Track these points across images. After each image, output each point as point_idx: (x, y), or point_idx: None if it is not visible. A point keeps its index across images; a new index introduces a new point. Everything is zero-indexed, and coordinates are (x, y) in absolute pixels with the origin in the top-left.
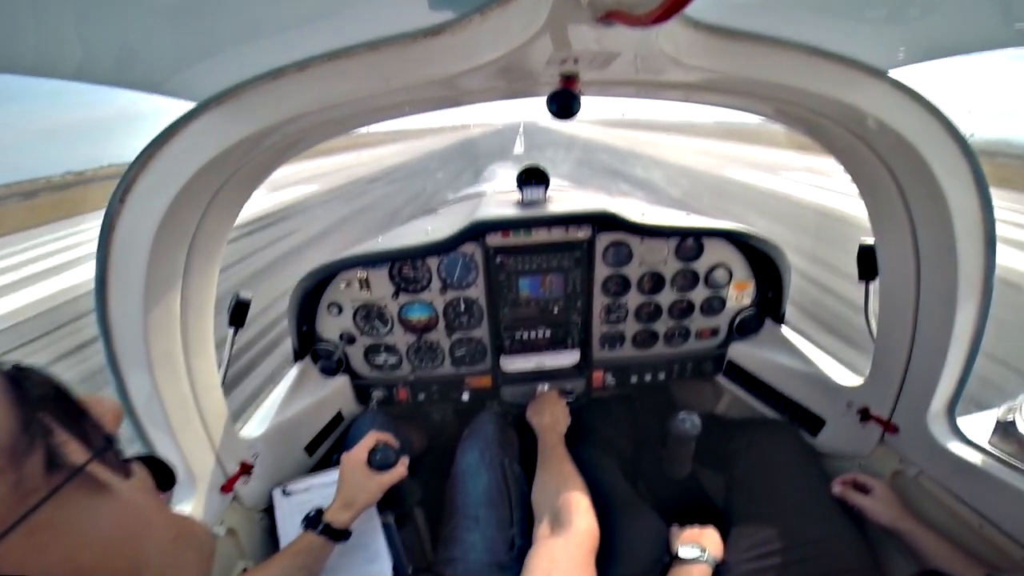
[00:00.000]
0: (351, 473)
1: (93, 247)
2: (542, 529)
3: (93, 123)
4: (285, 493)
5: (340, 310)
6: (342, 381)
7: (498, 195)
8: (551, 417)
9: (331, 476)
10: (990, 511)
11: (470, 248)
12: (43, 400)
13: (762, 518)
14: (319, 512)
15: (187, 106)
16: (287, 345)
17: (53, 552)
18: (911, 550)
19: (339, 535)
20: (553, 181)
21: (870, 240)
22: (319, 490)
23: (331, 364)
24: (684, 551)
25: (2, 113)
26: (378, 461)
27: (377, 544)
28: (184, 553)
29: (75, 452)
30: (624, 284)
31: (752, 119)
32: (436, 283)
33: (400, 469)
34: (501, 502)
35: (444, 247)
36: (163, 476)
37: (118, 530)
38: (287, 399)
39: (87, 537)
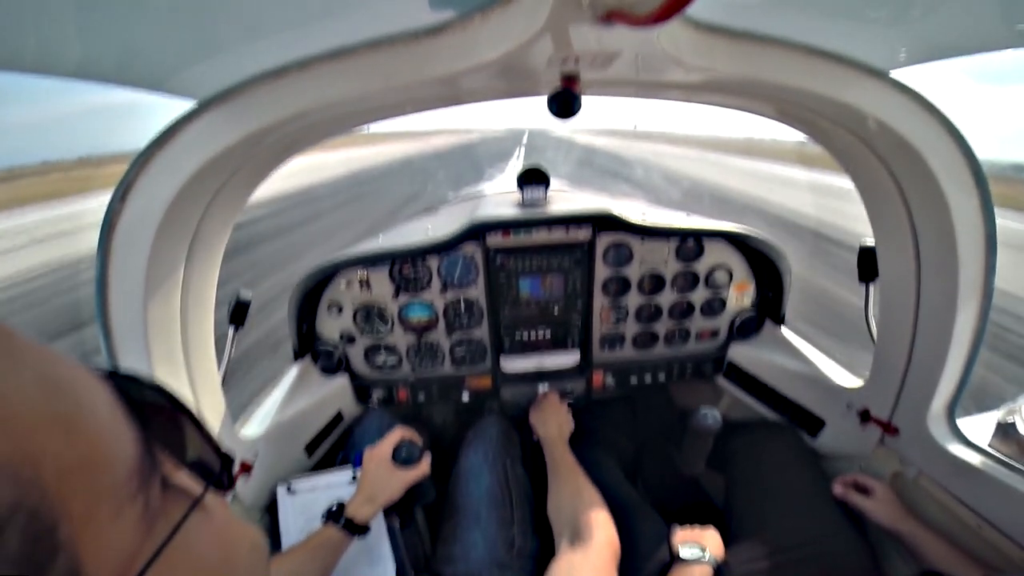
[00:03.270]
0: (376, 468)
1: None
2: (563, 543)
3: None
4: (290, 491)
5: (340, 310)
6: (342, 381)
7: (498, 195)
8: (556, 425)
9: (337, 476)
10: (989, 512)
11: (470, 248)
12: (153, 413)
13: (763, 519)
14: (341, 506)
15: (188, 105)
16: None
17: None
18: (911, 551)
19: (359, 530)
20: (553, 182)
21: (870, 241)
22: (324, 490)
23: (331, 364)
24: (685, 551)
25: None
26: (403, 457)
27: (381, 546)
28: (258, 560)
29: (180, 470)
30: (624, 285)
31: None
32: (436, 283)
33: (424, 466)
34: (503, 502)
35: (444, 247)
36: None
37: (219, 551)
38: (287, 399)
39: (199, 563)
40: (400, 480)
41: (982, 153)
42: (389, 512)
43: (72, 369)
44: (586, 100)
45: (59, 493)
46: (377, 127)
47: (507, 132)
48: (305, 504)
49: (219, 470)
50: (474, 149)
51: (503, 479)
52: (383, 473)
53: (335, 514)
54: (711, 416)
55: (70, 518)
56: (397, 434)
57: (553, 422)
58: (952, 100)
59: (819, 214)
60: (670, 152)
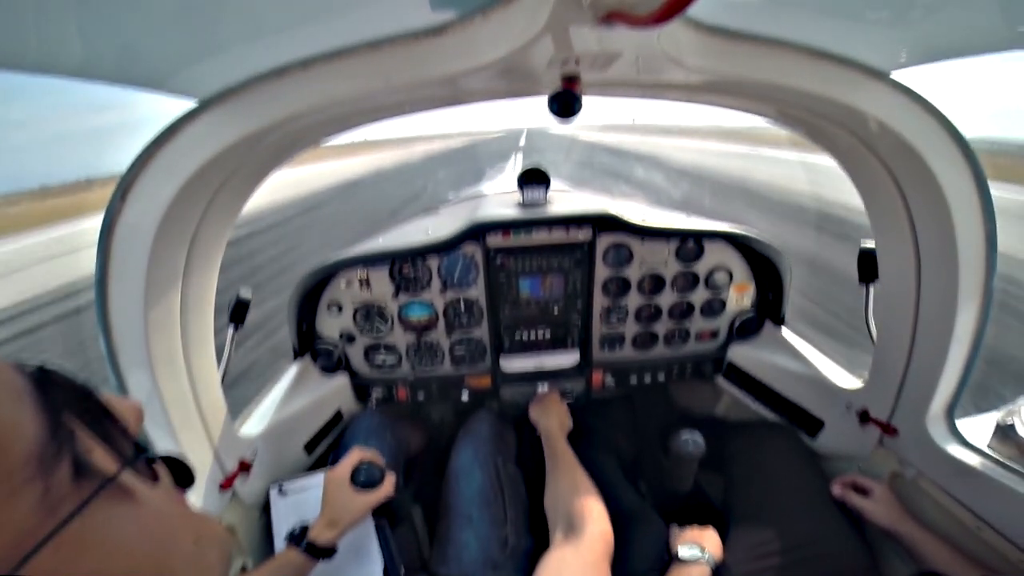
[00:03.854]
0: (336, 491)
1: None
2: (557, 535)
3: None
4: (281, 492)
5: (340, 309)
6: (341, 380)
7: (498, 196)
8: (557, 420)
9: None
10: (988, 514)
11: (470, 248)
12: (69, 403)
13: (761, 519)
14: (304, 529)
15: (189, 104)
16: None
17: (82, 566)
18: (909, 552)
19: (323, 553)
20: (554, 182)
21: (870, 243)
22: (315, 490)
23: (331, 363)
24: (684, 551)
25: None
26: (362, 480)
27: (369, 545)
28: (207, 555)
29: (102, 458)
30: (624, 285)
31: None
32: (436, 283)
33: (386, 488)
34: (495, 501)
35: (444, 247)
36: (181, 474)
37: (146, 539)
38: (286, 398)
39: (116, 549)
40: (362, 503)
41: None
42: (378, 512)
43: None
44: (586, 99)
45: None
46: (343, 137)
47: (504, 133)
48: (296, 505)
49: (131, 457)
50: (462, 155)
51: (495, 478)
52: (343, 497)
53: (298, 537)
54: (692, 442)
55: None
56: (356, 456)
57: (554, 416)
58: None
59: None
60: (680, 145)
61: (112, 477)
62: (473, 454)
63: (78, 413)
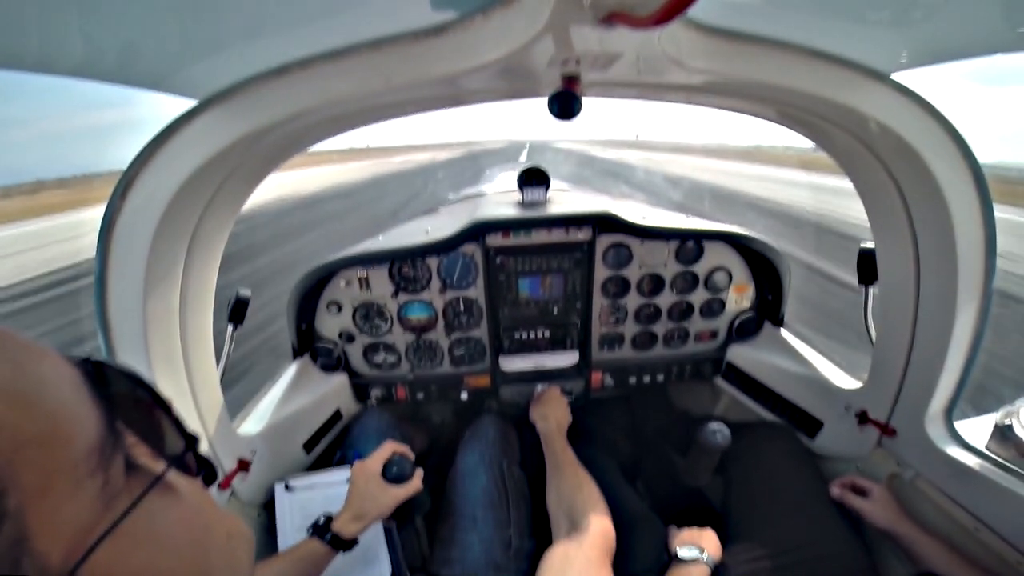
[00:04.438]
0: (365, 484)
1: None
2: (560, 532)
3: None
4: (288, 488)
5: (340, 309)
6: (341, 379)
7: (498, 195)
8: (556, 420)
9: (334, 475)
10: (986, 515)
11: (470, 248)
12: (120, 396)
13: (760, 520)
14: (328, 519)
15: (189, 103)
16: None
17: (134, 559)
18: (908, 553)
19: (345, 545)
20: (554, 182)
21: (870, 244)
22: (322, 488)
23: (330, 362)
24: (683, 552)
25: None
26: (394, 474)
27: (377, 547)
28: (237, 551)
29: (150, 452)
30: (624, 286)
31: None
32: (436, 283)
33: (416, 482)
34: (499, 503)
35: (444, 247)
36: (206, 470)
37: (189, 533)
38: (285, 397)
39: (164, 542)
40: (391, 497)
41: (987, 156)
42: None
43: (39, 353)
44: (592, 106)
45: (12, 464)
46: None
47: (505, 145)
48: (302, 502)
49: (183, 451)
50: (457, 169)
51: (500, 480)
52: (373, 490)
53: (321, 528)
54: (721, 434)
55: (21, 489)
56: (388, 448)
57: (552, 416)
58: (952, 102)
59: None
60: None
61: (165, 470)
62: (479, 456)
63: (128, 406)
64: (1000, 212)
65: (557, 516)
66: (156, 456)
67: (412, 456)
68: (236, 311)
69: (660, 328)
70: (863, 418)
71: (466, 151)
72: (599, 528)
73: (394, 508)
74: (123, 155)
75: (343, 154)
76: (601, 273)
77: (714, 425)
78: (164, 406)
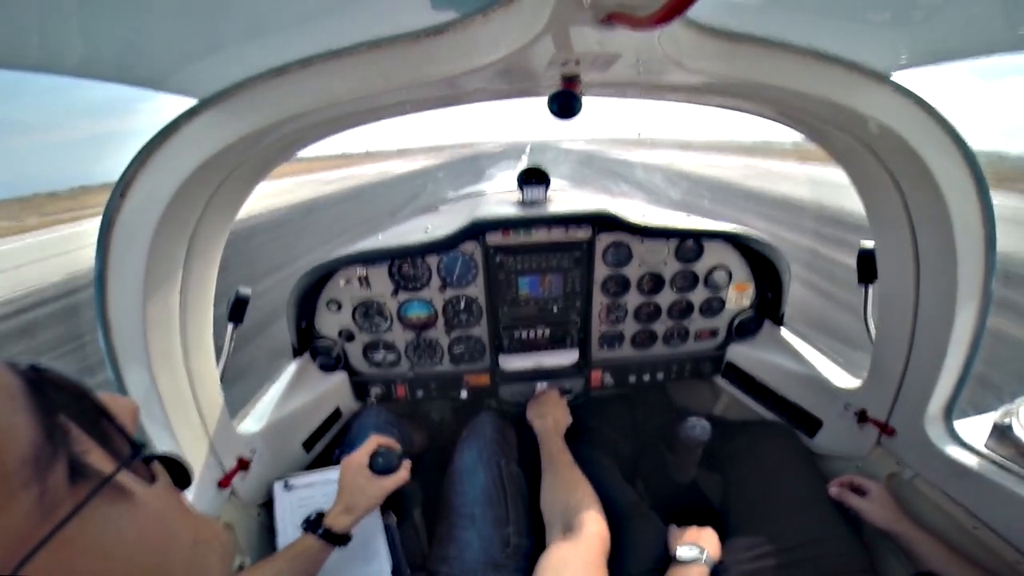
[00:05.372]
0: (352, 477)
1: None
2: (555, 536)
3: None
4: (287, 487)
5: (339, 307)
6: (340, 378)
7: (498, 194)
8: (553, 420)
9: (333, 474)
10: (985, 514)
11: (470, 247)
12: (63, 403)
13: (759, 519)
14: (320, 515)
15: (189, 103)
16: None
17: (79, 568)
18: (906, 552)
19: (339, 539)
20: (554, 181)
21: (870, 244)
22: (321, 487)
23: (330, 361)
24: (682, 551)
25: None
26: (380, 465)
27: (377, 544)
28: (206, 556)
29: (99, 459)
30: (624, 284)
31: None
32: (436, 281)
33: (403, 473)
34: (497, 501)
35: (444, 245)
36: (179, 474)
37: (144, 540)
38: (285, 395)
39: (114, 550)
40: (379, 489)
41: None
42: (385, 509)
43: None
44: (587, 112)
45: None
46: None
47: (504, 148)
48: (302, 500)
49: (130, 456)
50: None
51: (498, 478)
52: (361, 482)
53: (314, 523)
54: (699, 426)
55: None
56: (373, 442)
57: (550, 416)
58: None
59: None
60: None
61: (108, 478)
62: (477, 454)
63: (73, 413)
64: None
65: (551, 517)
66: (106, 461)
67: (399, 448)
68: (236, 310)
69: (660, 327)
70: (862, 417)
71: (450, 157)
72: (595, 530)
73: (383, 499)
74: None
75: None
76: (601, 272)
77: (693, 419)
78: (105, 413)
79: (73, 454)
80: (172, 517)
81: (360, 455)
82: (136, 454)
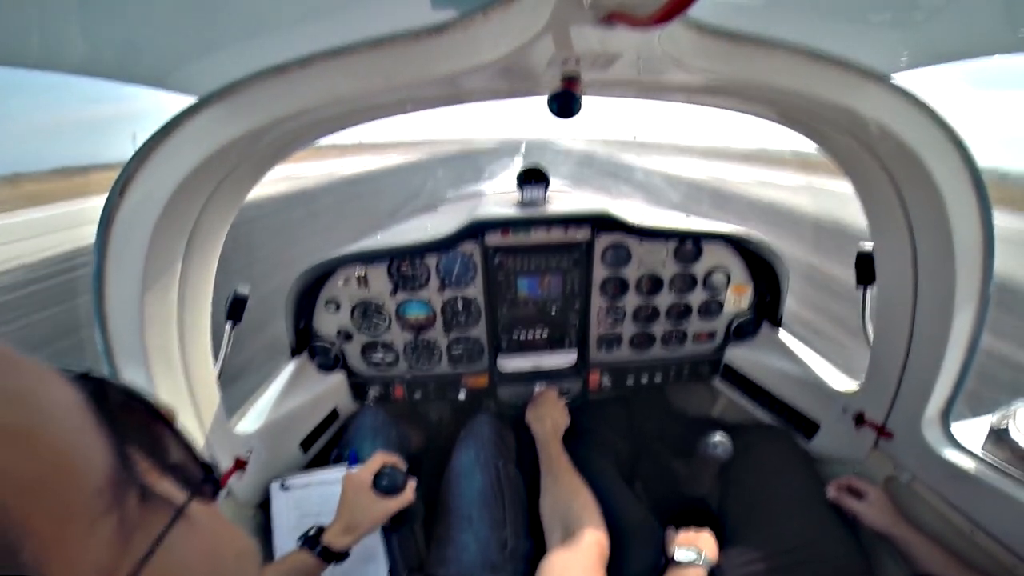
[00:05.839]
0: (355, 496)
1: None
2: (554, 542)
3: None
4: (283, 487)
5: (338, 307)
6: (338, 378)
7: (498, 195)
8: (552, 422)
9: (331, 474)
10: (982, 517)
11: (469, 247)
12: (127, 420)
13: (757, 522)
14: (319, 531)
15: (189, 101)
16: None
17: None
18: (904, 555)
19: (336, 557)
20: (553, 181)
21: (868, 246)
22: (318, 487)
23: (328, 361)
24: (680, 554)
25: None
26: (385, 486)
27: (374, 547)
28: (247, 569)
29: (163, 480)
30: (622, 286)
31: None
32: (434, 281)
33: (408, 494)
34: (495, 503)
35: (443, 245)
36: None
37: (203, 560)
38: (282, 395)
39: (181, 572)
40: (382, 509)
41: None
42: None
43: (35, 375)
44: (585, 115)
45: (20, 511)
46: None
47: (497, 145)
48: (298, 501)
49: (201, 479)
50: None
51: (495, 480)
52: (364, 502)
53: (312, 540)
54: (722, 447)
55: (35, 538)
56: (379, 459)
57: (548, 419)
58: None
59: None
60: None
61: (185, 504)
62: (475, 456)
63: (136, 430)
64: None
65: (551, 523)
66: (172, 482)
67: (404, 466)
68: (234, 309)
69: (658, 329)
70: (860, 420)
71: (427, 155)
72: (594, 536)
73: (386, 520)
74: None
75: None
76: (600, 273)
77: (717, 438)
78: (175, 430)
79: (142, 476)
80: (218, 531)
81: (365, 473)
82: (208, 477)
